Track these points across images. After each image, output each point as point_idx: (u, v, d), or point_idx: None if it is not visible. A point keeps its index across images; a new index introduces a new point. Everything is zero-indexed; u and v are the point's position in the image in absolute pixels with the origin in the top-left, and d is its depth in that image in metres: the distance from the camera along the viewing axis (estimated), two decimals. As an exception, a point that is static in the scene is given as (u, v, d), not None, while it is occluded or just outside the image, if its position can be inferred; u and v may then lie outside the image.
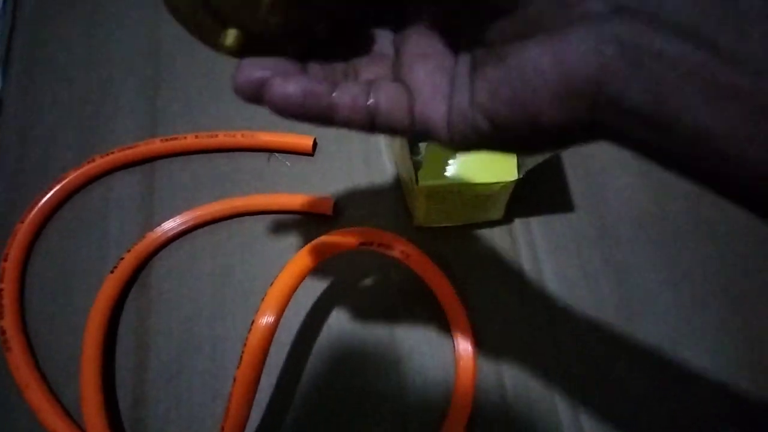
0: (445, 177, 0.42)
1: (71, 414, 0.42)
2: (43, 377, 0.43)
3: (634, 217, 0.49)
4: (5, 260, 0.46)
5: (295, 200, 0.49)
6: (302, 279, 0.38)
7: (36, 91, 0.54)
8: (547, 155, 0.41)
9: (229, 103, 0.54)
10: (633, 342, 0.45)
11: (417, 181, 0.41)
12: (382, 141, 0.52)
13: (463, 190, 0.42)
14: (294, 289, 0.37)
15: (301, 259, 0.38)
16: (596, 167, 0.51)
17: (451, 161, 0.42)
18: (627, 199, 0.50)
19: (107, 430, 0.40)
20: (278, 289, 0.36)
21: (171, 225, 0.48)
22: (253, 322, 0.35)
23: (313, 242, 0.40)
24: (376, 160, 0.51)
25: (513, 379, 0.44)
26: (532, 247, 0.48)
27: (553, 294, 0.46)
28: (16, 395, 0.42)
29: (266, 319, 0.35)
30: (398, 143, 0.47)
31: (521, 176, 0.42)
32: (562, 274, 0.47)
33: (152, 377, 0.44)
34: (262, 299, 0.36)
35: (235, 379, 0.35)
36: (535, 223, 0.49)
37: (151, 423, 0.42)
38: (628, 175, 0.51)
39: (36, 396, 0.42)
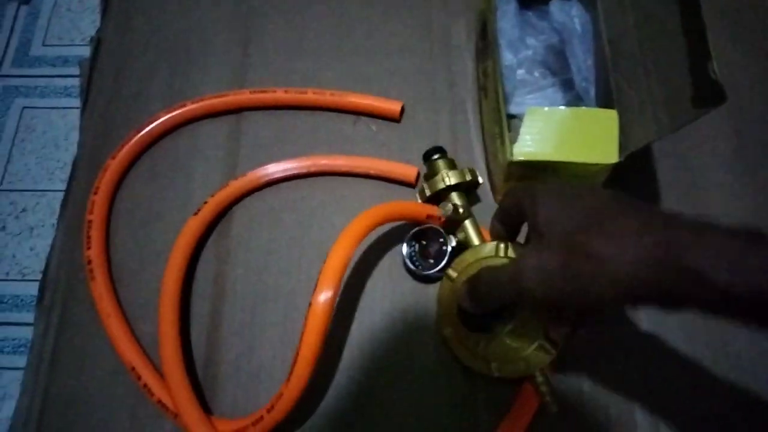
0: (541, 153, 0.40)
1: (145, 348, 0.43)
2: (122, 310, 0.44)
3: (732, 220, 0.47)
4: (95, 193, 0.47)
5: (379, 165, 0.48)
6: (368, 232, 0.38)
7: (133, 34, 0.55)
8: (651, 140, 0.39)
9: (318, 62, 0.53)
10: (722, 362, 0.43)
11: (510, 153, 0.40)
12: (470, 112, 0.51)
13: (558, 168, 0.41)
14: (360, 239, 0.38)
15: (372, 215, 0.38)
16: (693, 162, 0.49)
17: (547, 137, 0.41)
18: (724, 199, 0.47)
19: (181, 370, 0.40)
20: (345, 240, 0.37)
21: (255, 175, 0.48)
22: (321, 272, 0.36)
23: (387, 204, 0.40)
24: (464, 133, 0.50)
25: (592, 384, 0.42)
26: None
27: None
28: (96, 324, 0.43)
29: (335, 269, 0.36)
30: (489, 115, 0.45)
31: (621, 160, 0.40)
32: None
33: (226, 323, 0.44)
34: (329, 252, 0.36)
35: (304, 328, 0.35)
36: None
37: (223, 367, 0.43)
38: (726, 174, 0.48)
39: (115, 326, 0.43)
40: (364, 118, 0.51)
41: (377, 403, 0.42)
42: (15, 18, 0.56)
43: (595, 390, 0.41)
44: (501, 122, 0.41)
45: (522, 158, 0.40)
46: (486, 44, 0.48)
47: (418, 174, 0.48)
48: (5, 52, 0.54)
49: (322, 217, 0.48)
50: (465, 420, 0.41)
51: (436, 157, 0.45)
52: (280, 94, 0.51)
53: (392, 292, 0.45)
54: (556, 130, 0.41)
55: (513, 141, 0.40)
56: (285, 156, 0.49)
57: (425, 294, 0.44)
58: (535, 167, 0.41)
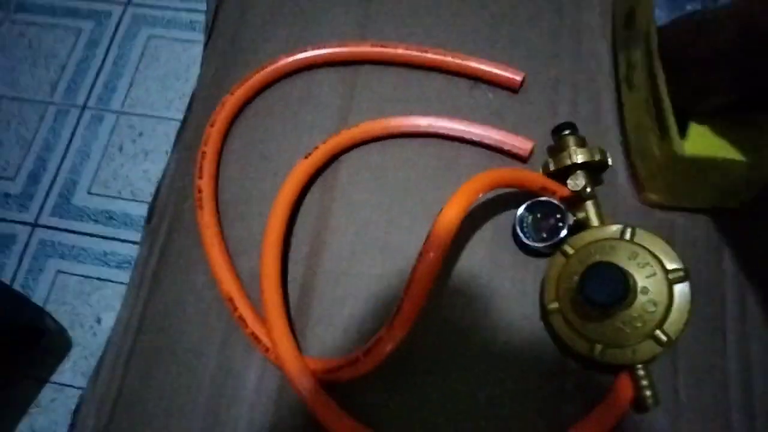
0: (715, 148, 0.37)
1: (243, 283, 0.44)
2: (225, 243, 0.45)
3: None
4: (211, 125, 0.48)
5: (494, 134, 0.47)
6: (484, 192, 0.38)
7: (261, -24, 0.55)
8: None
9: (440, 21, 0.52)
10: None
11: (679, 148, 0.37)
12: (605, 99, 0.49)
13: (732, 168, 0.37)
14: (475, 198, 0.37)
15: (489, 176, 0.38)
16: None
17: (716, 129, 0.37)
18: None
19: (280, 304, 0.40)
20: (461, 197, 0.36)
21: (369, 126, 0.47)
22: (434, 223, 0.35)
23: (505, 168, 0.39)
24: (592, 113, 0.48)
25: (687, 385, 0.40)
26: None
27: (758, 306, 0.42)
28: (199, 252, 0.44)
29: (449, 221, 0.35)
30: (638, 107, 0.43)
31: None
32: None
33: (322, 271, 0.44)
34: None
35: (411, 279, 0.35)
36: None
37: (315, 312, 0.43)
38: None
39: (217, 256, 0.43)
40: (481, 85, 0.50)
41: (462, 375, 0.41)
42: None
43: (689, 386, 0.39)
44: (663, 114, 0.38)
45: (695, 154, 0.37)
46: (632, 34, 0.45)
47: (533, 149, 0.46)
48: (138, -19, 0.56)
49: (428, 179, 0.47)
50: (550, 406, 0.40)
51: (566, 132, 0.44)
52: (400, 51, 0.50)
53: (492, 262, 0.44)
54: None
55: (668, 131, 0.38)
56: (398, 113, 0.49)
57: (527, 267, 0.43)
58: (704, 165, 0.38)
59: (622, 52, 0.49)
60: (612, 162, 0.43)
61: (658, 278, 0.36)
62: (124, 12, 0.53)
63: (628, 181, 0.46)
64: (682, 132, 0.38)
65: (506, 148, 0.47)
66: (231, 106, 0.49)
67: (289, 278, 0.44)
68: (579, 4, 0.52)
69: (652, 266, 0.36)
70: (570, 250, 0.38)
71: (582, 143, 0.44)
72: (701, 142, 0.37)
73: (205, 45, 0.53)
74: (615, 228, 0.37)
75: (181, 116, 0.50)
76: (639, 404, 0.37)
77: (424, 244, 0.36)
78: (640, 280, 0.36)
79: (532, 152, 0.46)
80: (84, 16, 0.53)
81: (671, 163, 0.38)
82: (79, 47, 0.51)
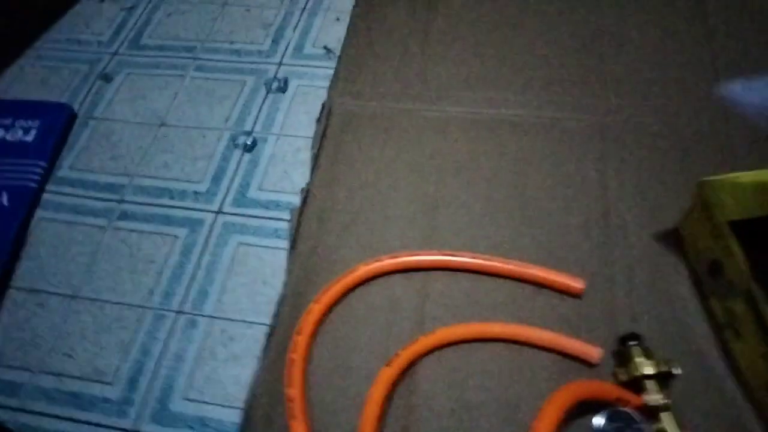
0: None
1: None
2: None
3: None
4: (299, 333, 0.52)
5: (562, 341, 0.50)
6: (572, 405, 0.40)
7: (337, 189, 0.62)
8: None
9: (500, 231, 0.58)
10: None
11: None
12: (663, 298, 0.53)
13: None
14: (564, 411, 0.39)
15: (573, 390, 0.41)
16: None
17: None
18: None
19: None
20: (551, 410, 0.39)
21: (444, 333, 0.51)
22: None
23: (585, 382, 0.42)
24: (655, 320, 0.52)
25: None
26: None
27: None
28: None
29: None
30: (761, 354, 0.45)
31: None
32: None
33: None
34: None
35: None
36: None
37: None
38: None
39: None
40: (545, 291, 0.54)
41: None
42: (239, 164, 0.65)
43: None
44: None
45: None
46: (722, 283, 0.49)
47: (601, 356, 0.49)
48: (227, 192, 0.63)
49: (503, 383, 0.50)
50: None
51: (632, 343, 0.47)
52: (467, 259, 0.55)
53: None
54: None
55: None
56: (468, 317, 0.53)
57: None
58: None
59: (714, 299, 0.51)
60: (681, 370, 0.47)
61: None
62: (215, 220, 0.60)
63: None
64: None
65: (574, 353, 0.50)
66: (316, 313, 0.53)
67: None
68: (622, 212, 0.58)
69: None
70: None
71: (649, 354, 0.47)
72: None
73: (290, 253, 0.58)
74: None
75: (268, 321, 0.54)
76: None
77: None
78: None
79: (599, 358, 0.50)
80: (179, 223, 0.59)
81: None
82: (175, 253, 0.57)
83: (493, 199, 0.60)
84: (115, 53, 0.78)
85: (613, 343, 0.50)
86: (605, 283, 0.54)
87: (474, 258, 0.56)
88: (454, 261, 0.56)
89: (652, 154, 0.61)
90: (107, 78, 0.75)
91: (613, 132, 0.64)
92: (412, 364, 0.51)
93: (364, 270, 0.55)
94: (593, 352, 0.49)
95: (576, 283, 0.53)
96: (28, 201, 0.63)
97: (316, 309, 0.53)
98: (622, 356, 0.48)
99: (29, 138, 0.67)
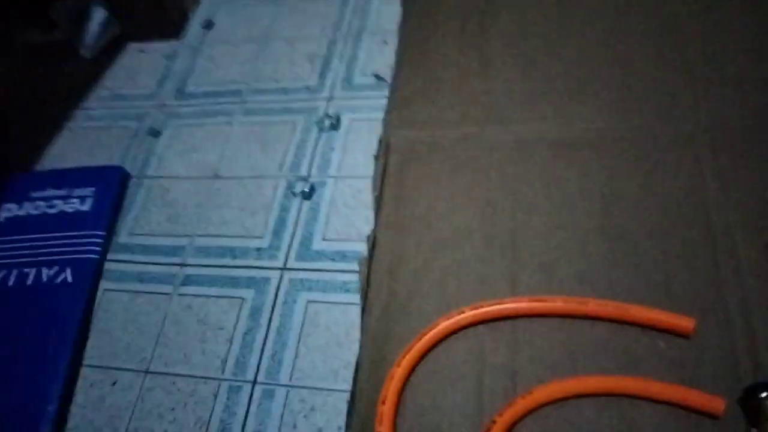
0: None
1: None
2: None
3: None
4: (383, 403, 0.48)
5: (678, 392, 0.45)
6: None
7: (405, 234, 0.58)
8: None
9: (593, 269, 0.53)
10: None
11: None
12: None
13: None
14: None
15: None
16: None
17: None
18: None
19: None
20: None
21: (541, 394, 0.46)
22: None
23: None
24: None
25: None
26: None
27: None
28: None
29: None
30: None
31: None
32: None
33: None
34: None
35: None
36: None
37: None
38: None
39: None
40: (650, 333, 0.49)
41: None
42: (299, 213, 0.62)
43: None
44: None
45: None
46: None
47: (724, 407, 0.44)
48: (290, 246, 0.60)
49: (615, 446, 0.45)
50: None
51: (765, 395, 0.41)
52: (559, 304, 0.50)
53: None
54: None
55: None
56: (563, 368, 0.48)
57: None
58: None
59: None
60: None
61: None
62: (281, 277, 0.57)
63: None
64: None
65: (696, 406, 0.44)
66: (399, 378, 0.49)
67: None
68: (734, 237, 0.52)
69: None
70: None
71: None
72: None
73: (362, 310, 0.55)
74: None
75: (347, 386, 0.51)
76: None
77: None
78: None
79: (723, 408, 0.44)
80: (245, 284, 0.57)
81: None
82: (243, 317, 0.55)
83: (580, 229, 0.55)
84: (162, 105, 0.76)
85: (733, 386, 0.45)
86: (718, 319, 0.48)
87: (566, 302, 0.50)
88: (544, 306, 0.51)
89: (758, 163, 0.54)
90: (155, 133, 0.74)
91: (706, 143, 0.57)
92: (511, 428, 0.47)
93: (444, 325, 0.51)
94: (717, 404, 0.44)
95: (684, 322, 0.48)
96: (91, 274, 0.61)
97: (398, 374, 0.49)
98: (754, 411, 0.42)
99: (86, 207, 0.66)
